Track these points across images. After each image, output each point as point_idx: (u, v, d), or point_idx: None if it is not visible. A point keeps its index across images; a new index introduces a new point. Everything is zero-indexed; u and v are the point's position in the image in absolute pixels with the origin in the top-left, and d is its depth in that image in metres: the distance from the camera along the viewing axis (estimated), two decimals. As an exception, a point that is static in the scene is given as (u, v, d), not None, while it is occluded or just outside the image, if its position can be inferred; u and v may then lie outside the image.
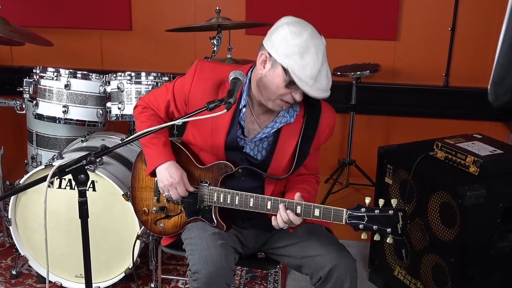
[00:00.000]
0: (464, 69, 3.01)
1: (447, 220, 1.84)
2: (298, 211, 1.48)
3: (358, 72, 2.80)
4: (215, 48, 2.40)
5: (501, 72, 1.29)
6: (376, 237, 1.44)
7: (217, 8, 2.38)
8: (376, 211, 1.41)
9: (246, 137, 1.58)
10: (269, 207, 1.51)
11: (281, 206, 1.47)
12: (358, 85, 2.90)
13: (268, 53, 1.45)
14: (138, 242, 2.00)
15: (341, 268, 1.52)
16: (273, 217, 1.50)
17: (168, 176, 1.58)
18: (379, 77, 3.01)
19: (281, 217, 1.47)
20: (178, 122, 1.40)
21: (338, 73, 2.82)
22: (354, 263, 1.56)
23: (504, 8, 1.11)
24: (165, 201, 1.68)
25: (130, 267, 2.04)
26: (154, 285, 2.18)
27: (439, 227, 1.88)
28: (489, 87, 1.34)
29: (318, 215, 1.46)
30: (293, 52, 1.39)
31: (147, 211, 1.70)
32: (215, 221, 1.61)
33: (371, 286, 2.27)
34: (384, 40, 3.02)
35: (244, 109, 1.56)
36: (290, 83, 1.43)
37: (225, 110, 1.39)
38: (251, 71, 1.56)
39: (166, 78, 2.29)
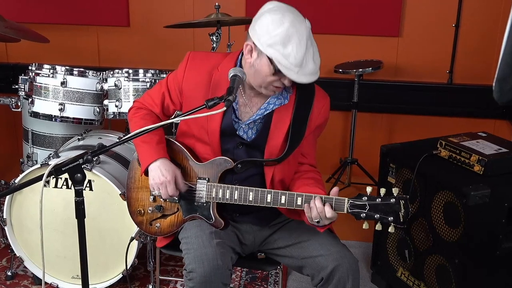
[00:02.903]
0: (469, 66, 2.99)
1: (451, 220, 1.83)
2: (299, 202, 1.47)
3: (360, 69, 2.79)
4: (214, 45, 2.38)
5: (506, 69, 1.26)
6: (378, 227, 1.44)
7: (216, 4, 2.36)
8: (377, 199, 1.42)
9: (240, 120, 1.58)
10: (269, 200, 1.51)
11: (317, 198, 1.45)
12: (360, 83, 2.89)
13: (253, 42, 1.47)
14: (135, 243, 1.99)
15: (343, 268, 1.51)
16: (305, 208, 1.47)
17: (160, 175, 1.57)
18: (382, 74, 3.00)
19: (316, 208, 1.44)
20: (177, 120, 1.41)
21: (340, 70, 2.80)
22: (357, 264, 1.55)
23: (509, 5, 1.07)
24: (161, 199, 1.65)
25: (127, 269, 2.01)
26: (152, 287, 2.15)
27: (443, 227, 1.86)
28: (494, 84, 1.31)
29: None
30: (275, 42, 1.41)
31: (142, 211, 1.69)
32: (213, 217, 1.59)
33: None
34: (386, 36, 3.01)
35: None
36: (277, 71, 1.45)
37: (225, 108, 1.40)
38: (241, 56, 1.58)
39: (164, 75, 2.26)
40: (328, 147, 3.12)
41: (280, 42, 1.40)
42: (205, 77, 1.58)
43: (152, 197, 1.66)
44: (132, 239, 1.88)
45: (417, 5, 2.95)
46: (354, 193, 3.17)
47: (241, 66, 1.56)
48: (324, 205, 1.44)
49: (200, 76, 1.58)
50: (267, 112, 1.57)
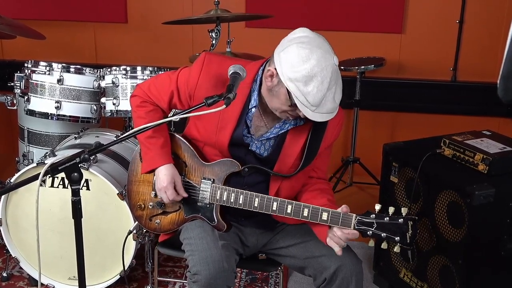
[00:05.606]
0: (473, 63, 2.97)
1: (454, 220, 1.81)
2: (305, 214, 1.46)
3: (363, 67, 2.77)
4: (213, 41, 2.36)
5: (510, 66, 1.23)
6: (384, 246, 1.44)
7: (216, -1, 2.32)
8: (385, 218, 1.42)
9: (253, 135, 1.56)
10: (274, 208, 1.50)
11: (346, 230, 1.44)
12: (362, 80, 2.87)
13: (275, 69, 1.43)
14: (133, 243, 1.97)
15: (346, 269, 1.51)
16: (333, 242, 1.45)
17: (160, 181, 1.57)
18: (384, 71, 2.97)
19: (345, 235, 1.43)
20: (176, 118, 1.37)
21: (342, 68, 2.79)
22: (360, 264, 1.54)
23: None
24: None
25: (125, 268, 1.98)
26: (150, 288, 2.13)
27: (446, 228, 1.85)
28: (498, 81, 1.29)
29: (326, 219, 1.45)
30: (296, 78, 1.38)
31: (143, 205, 1.67)
32: (216, 220, 1.57)
33: (376, 289, 2.24)
34: (389, 33, 2.98)
35: (253, 109, 1.53)
36: (293, 104, 1.42)
37: (224, 106, 1.37)
38: (263, 69, 1.52)
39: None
40: (329, 146, 3.10)
41: (302, 79, 1.37)
42: (219, 86, 1.50)
43: (153, 192, 1.65)
44: (130, 232, 1.86)
45: (420, 1, 2.92)
46: (356, 192, 3.18)
47: (261, 82, 1.51)
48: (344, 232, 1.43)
49: (214, 85, 1.52)
50: (282, 131, 1.54)
